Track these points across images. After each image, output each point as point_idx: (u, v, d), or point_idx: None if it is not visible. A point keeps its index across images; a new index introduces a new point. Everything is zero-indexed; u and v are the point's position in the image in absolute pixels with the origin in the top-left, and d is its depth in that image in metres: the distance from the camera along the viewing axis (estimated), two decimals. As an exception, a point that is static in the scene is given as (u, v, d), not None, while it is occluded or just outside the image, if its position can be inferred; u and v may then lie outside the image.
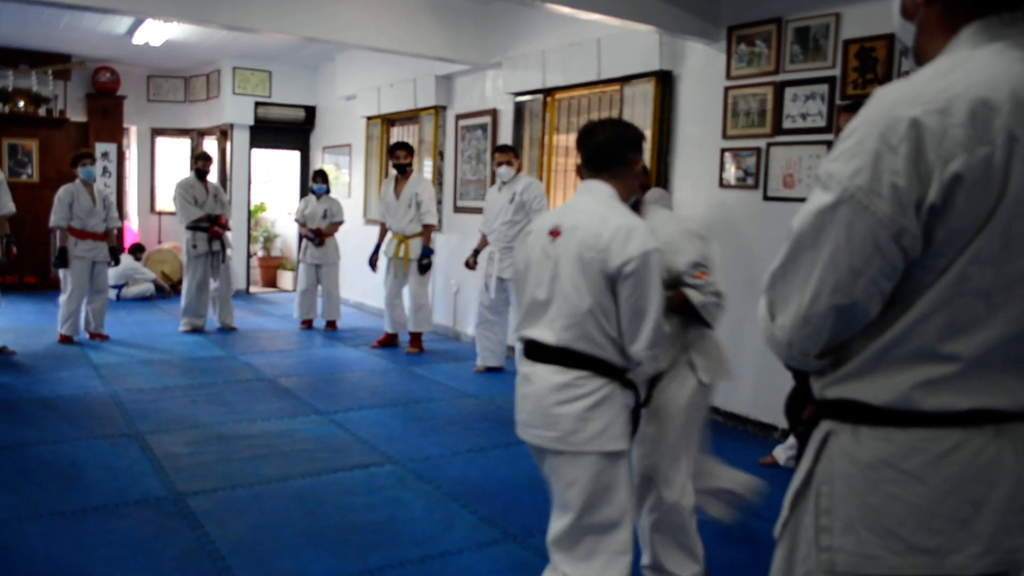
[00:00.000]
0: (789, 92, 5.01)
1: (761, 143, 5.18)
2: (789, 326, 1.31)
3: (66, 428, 4.87)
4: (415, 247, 7.45)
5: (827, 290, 1.25)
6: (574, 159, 6.80)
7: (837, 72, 4.75)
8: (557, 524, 2.48)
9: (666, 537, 3.01)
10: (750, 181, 5.25)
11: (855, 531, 1.30)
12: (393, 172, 7.67)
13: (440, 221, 8.55)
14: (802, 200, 4.72)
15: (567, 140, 7.00)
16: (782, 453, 4.56)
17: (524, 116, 7.30)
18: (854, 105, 4.19)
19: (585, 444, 2.37)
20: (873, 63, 4.57)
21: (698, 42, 5.52)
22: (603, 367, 2.39)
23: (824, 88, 4.82)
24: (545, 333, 2.44)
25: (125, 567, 3.14)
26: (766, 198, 5.16)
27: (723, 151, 5.42)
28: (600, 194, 2.50)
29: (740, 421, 5.35)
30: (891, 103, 1.22)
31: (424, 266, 7.39)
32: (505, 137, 7.51)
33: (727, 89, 5.39)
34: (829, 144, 4.56)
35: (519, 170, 6.54)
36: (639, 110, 6.12)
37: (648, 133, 5.98)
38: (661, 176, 5.80)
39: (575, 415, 2.37)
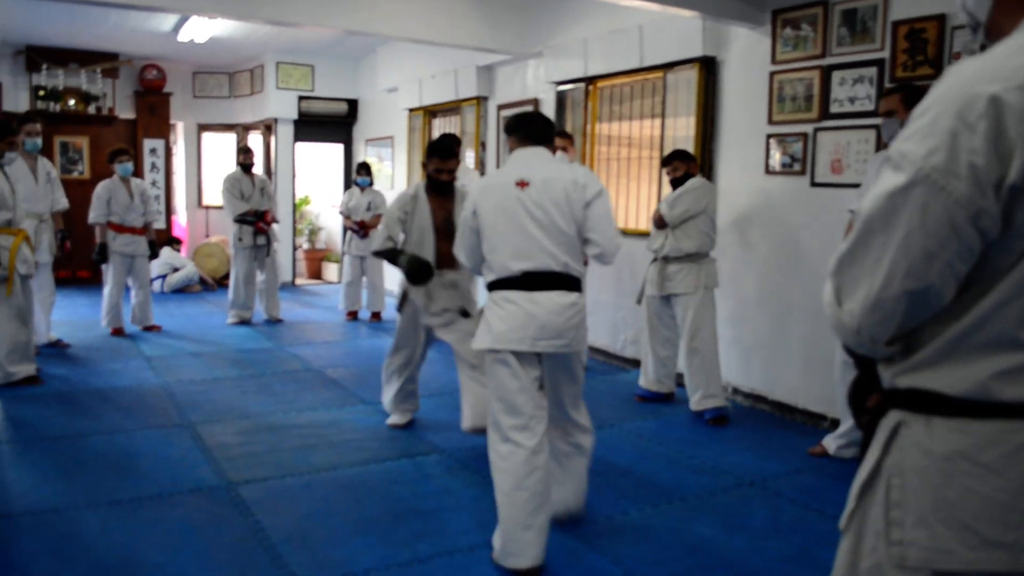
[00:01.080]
0: (836, 76, 4.92)
1: (808, 128, 5.09)
2: (858, 312, 1.27)
3: (121, 419, 4.97)
4: None
5: (899, 274, 1.21)
6: (617, 147, 6.79)
7: (886, 54, 4.65)
8: (567, 398, 3.41)
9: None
10: (797, 167, 5.17)
11: (928, 525, 1.26)
12: None
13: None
14: (852, 186, 4.67)
15: (609, 129, 6.95)
16: (832, 443, 4.49)
17: (566, 105, 7.26)
18: (895, 89, 4.10)
19: (581, 345, 3.33)
20: (923, 44, 4.47)
21: (742, 27, 5.44)
22: (579, 284, 3.27)
23: (873, 71, 4.72)
24: (548, 262, 3.15)
25: (180, 554, 3.19)
26: (813, 184, 5.07)
27: (769, 137, 5.35)
28: (546, 156, 3.34)
29: (788, 410, 5.28)
30: (968, 80, 1.17)
31: None
32: (547, 126, 7.46)
33: (772, 74, 5.31)
34: (878, 128, 4.46)
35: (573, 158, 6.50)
36: (682, 97, 6.05)
37: (691, 120, 5.92)
38: (705, 164, 5.73)
39: (577, 326, 3.24)
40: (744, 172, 5.56)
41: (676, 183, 5.22)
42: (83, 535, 3.36)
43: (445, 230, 4.47)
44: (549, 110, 7.48)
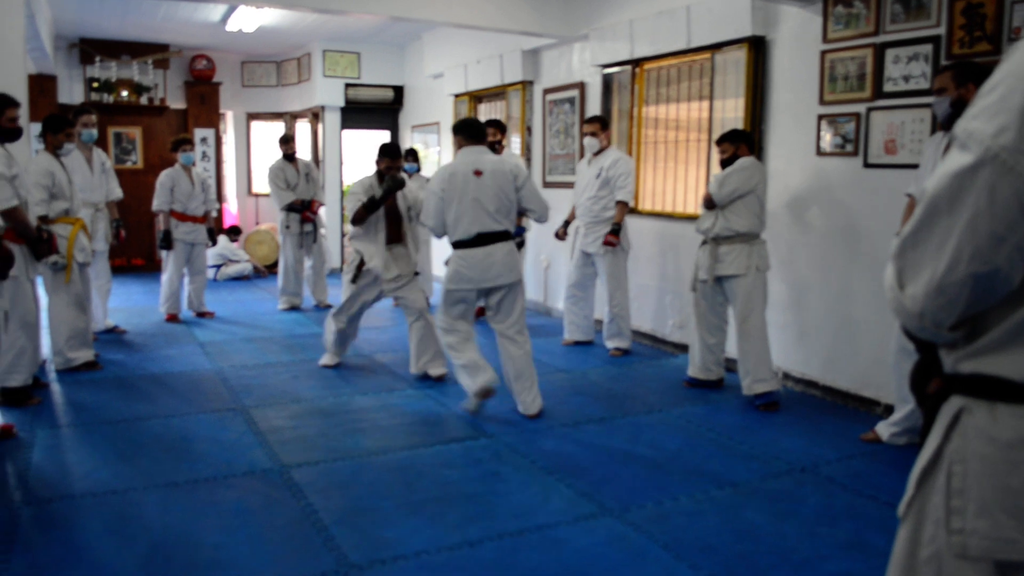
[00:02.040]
0: (890, 54, 4.80)
1: (860, 108, 4.99)
2: (921, 295, 1.23)
3: (176, 403, 5.08)
4: None
5: (965, 257, 1.16)
6: (664, 130, 6.73)
7: (942, 31, 4.52)
8: (512, 317, 4.91)
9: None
10: (849, 148, 5.07)
11: (991, 514, 1.23)
12: None
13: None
14: (907, 167, 4.57)
15: (656, 111, 6.88)
16: (885, 429, 4.42)
17: (612, 88, 7.21)
18: (948, 66, 3.99)
19: (520, 276, 4.89)
20: (981, 20, 4.34)
21: (792, 5, 5.34)
22: (511, 237, 4.80)
23: (928, 48, 4.60)
24: (495, 224, 4.71)
25: (235, 535, 3.26)
26: (866, 165, 4.97)
27: (820, 117, 5.25)
28: (487, 151, 4.85)
29: (840, 396, 5.21)
30: None
31: (518, 244, 7.39)
32: (593, 110, 7.44)
33: (823, 53, 5.20)
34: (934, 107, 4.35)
35: (608, 144, 6.47)
36: (731, 78, 5.97)
37: (740, 102, 5.84)
38: (755, 146, 5.64)
39: (516, 264, 4.86)
40: (795, 154, 5.46)
41: (725, 165, 5.17)
42: (142, 516, 3.45)
43: (394, 215, 5.70)
44: (595, 93, 7.43)
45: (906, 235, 1.25)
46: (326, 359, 6.05)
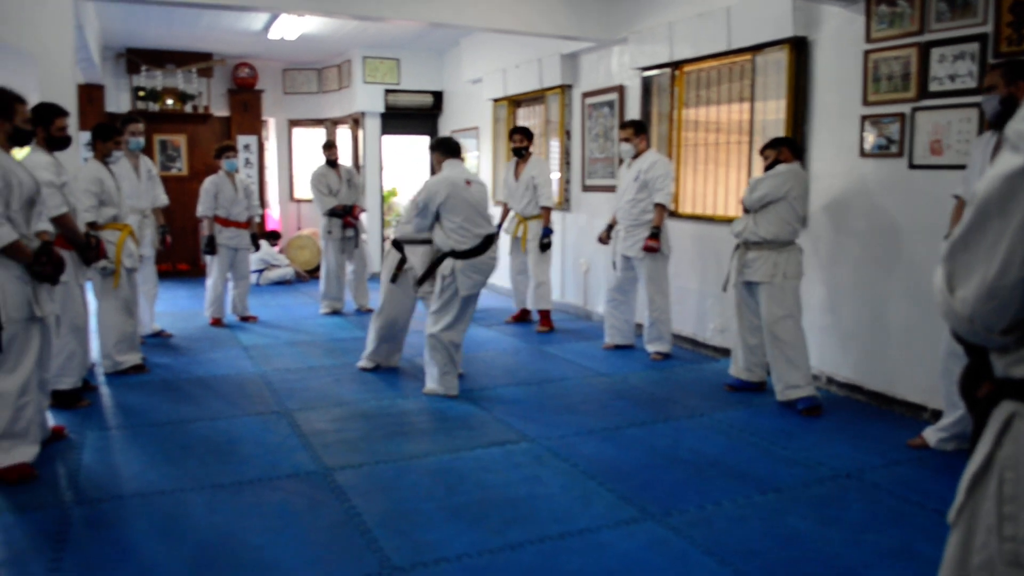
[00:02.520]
0: (935, 53, 4.73)
1: (905, 108, 4.91)
2: (972, 299, 1.21)
3: (221, 406, 5.16)
4: (533, 228, 7.63)
5: (1017, 261, 1.14)
6: (704, 133, 6.69)
7: (989, 29, 4.44)
8: (464, 319, 5.41)
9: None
10: (893, 149, 5.00)
11: None
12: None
13: (568, 200, 8.56)
14: (953, 167, 4.50)
15: (696, 114, 6.84)
16: (933, 435, 4.34)
17: (652, 91, 7.18)
18: (1000, 64, 3.91)
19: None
20: (1031, 17, 4.26)
21: (834, 5, 5.28)
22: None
23: (975, 47, 4.52)
24: (489, 227, 5.31)
25: (280, 536, 3.30)
26: (911, 166, 4.89)
27: (863, 118, 5.18)
28: (465, 166, 5.52)
29: (885, 400, 5.13)
30: None
31: (544, 246, 7.48)
32: (632, 113, 7.42)
33: (867, 53, 5.13)
34: (981, 107, 4.27)
35: (645, 147, 6.45)
36: (772, 79, 5.92)
37: (782, 103, 5.79)
38: (797, 150, 5.58)
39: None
40: (838, 155, 5.40)
41: (767, 170, 5.14)
42: (189, 516, 3.51)
43: None
44: (634, 96, 7.41)
45: (956, 238, 1.23)
46: (363, 362, 6.15)
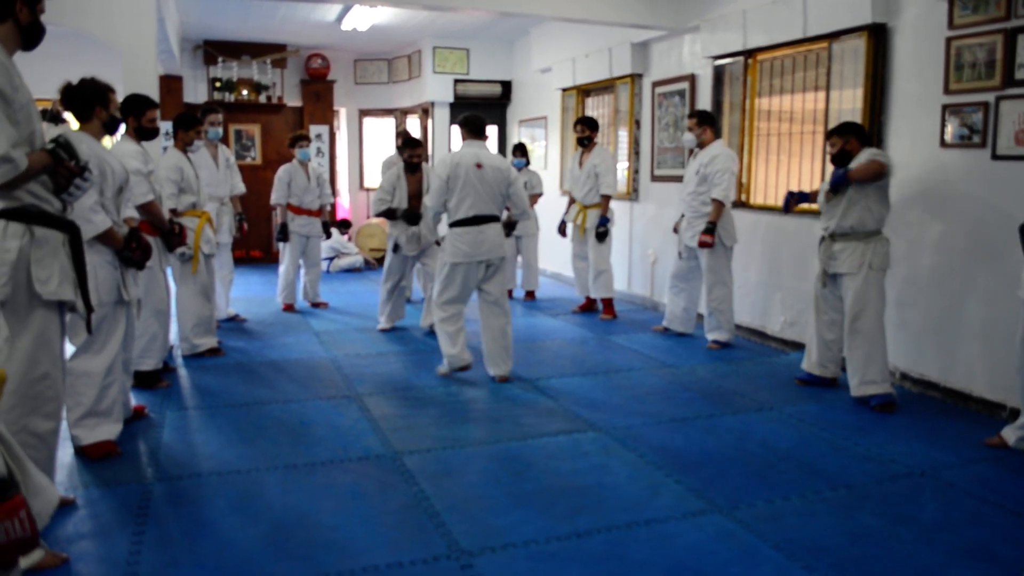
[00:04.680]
0: (1023, 39, 4.56)
1: (989, 97, 4.75)
2: None
3: (294, 389, 5.29)
4: (592, 216, 7.65)
5: None
6: (777, 122, 6.58)
7: (1082, 14, 4.28)
8: (497, 287, 5.53)
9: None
10: (976, 139, 4.84)
11: None
12: None
13: (636, 190, 8.51)
14: (1041, 158, 4.33)
15: (769, 103, 6.73)
16: (1012, 433, 4.21)
17: (724, 80, 7.09)
18: None
19: (506, 253, 5.55)
20: None
21: (916, -10, 5.15)
22: (499, 219, 5.49)
23: (1067, 33, 4.36)
24: (491, 208, 5.39)
25: (351, 517, 3.38)
26: (995, 157, 4.74)
27: (944, 107, 5.03)
28: (486, 147, 5.49)
29: (962, 398, 4.99)
30: None
31: (600, 234, 7.48)
32: (704, 103, 7.33)
33: (949, 40, 4.98)
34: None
35: (710, 138, 6.40)
36: (848, 67, 5.78)
37: (859, 92, 5.66)
38: (874, 137, 5.46)
39: (503, 242, 5.50)
40: (917, 146, 5.26)
41: (835, 160, 4.97)
42: (264, 495, 3.61)
43: (417, 196, 6.84)
44: (706, 85, 7.33)
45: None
46: (383, 324, 7.12)
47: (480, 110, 11.63)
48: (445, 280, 5.45)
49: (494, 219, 5.43)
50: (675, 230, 6.84)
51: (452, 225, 5.37)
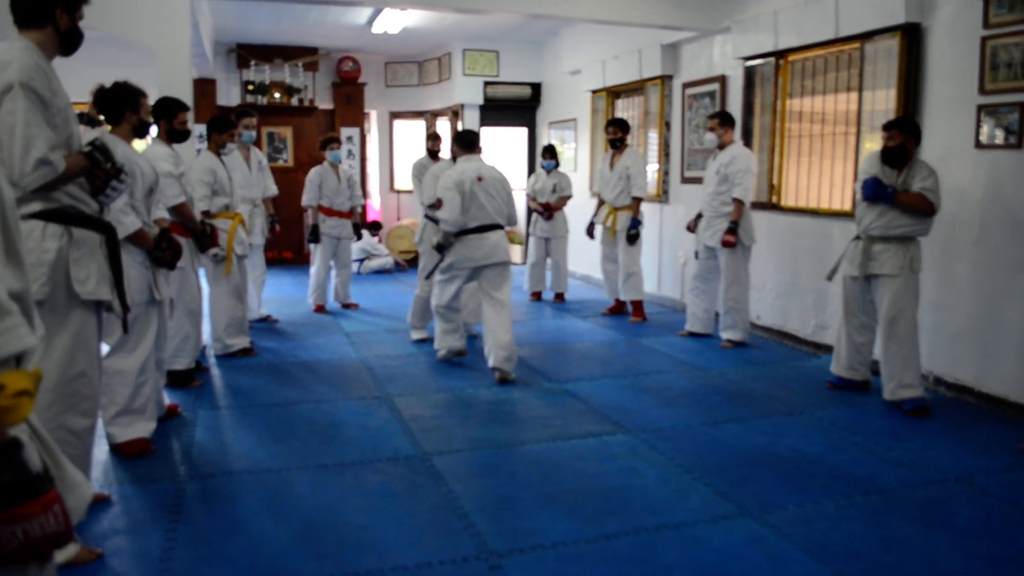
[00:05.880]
0: (1062, 39, 4.49)
1: (1026, 97, 4.69)
2: None
3: (325, 389, 5.33)
4: (623, 219, 7.64)
5: None
6: (808, 124, 6.52)
7: (1123, 13, 4.20)
8: (501, 287, 5.69)
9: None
10: (1012, 140, 4.77)
11: None
12: None
13: (666, 192, 8.49)
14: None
15: (801, 104, 6.68)
16: (1050, 439, 4.15)
17: (755, 81, 7.04)
18: None
19: (509, 258, 5.71)
20: None
21: (951, -10, 5.08)
22: (502, 228, 5.69)
23: (1107, 32, 4.28)
24: (494, 218, 5.61)
25: (380, 517, 3.40)
26: (1032, 158, 4.67)
27: (980, 108, 4.96)
28: (483, 160, 5.77)
29: (997, 403, 4.92)
30: None
31: (632, 236, 7.48)
32: (734, 104, 7.29)
33: (984, 39, 4.91)
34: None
35: (730, 139, 6.53)
36: (881, 68, 5.72)
37: (892, 93, 5.59)
38: (919, 138, 5.37)
39: (507, 247, 5.71)
40: (951, 147, 5.19)
41: (887, 153, 4.84)
42: (295, 494, 3.65)
43: None
44: (736, 87, 7.29)
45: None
46: (416, 335, 6.91)
47: (510, 112, 11.75)
48: (441, 284, 5.79)
49: (497, 227, 5.65)
50: (689, 229, 6.93)
51: (458, 234, 5.62)
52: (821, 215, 6.36)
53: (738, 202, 6.32)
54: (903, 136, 4.80)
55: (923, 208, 4.71)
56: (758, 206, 6.95)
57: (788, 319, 6.74)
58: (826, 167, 6.42)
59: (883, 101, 5.72)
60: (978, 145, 4.99)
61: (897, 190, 4.74)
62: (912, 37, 5.43)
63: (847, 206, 6.01)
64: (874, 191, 4.78)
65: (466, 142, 5.74)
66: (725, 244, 6.36)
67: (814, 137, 6.55)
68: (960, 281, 5.16)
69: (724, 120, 6.50)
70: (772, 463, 4.07)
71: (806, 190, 6.63)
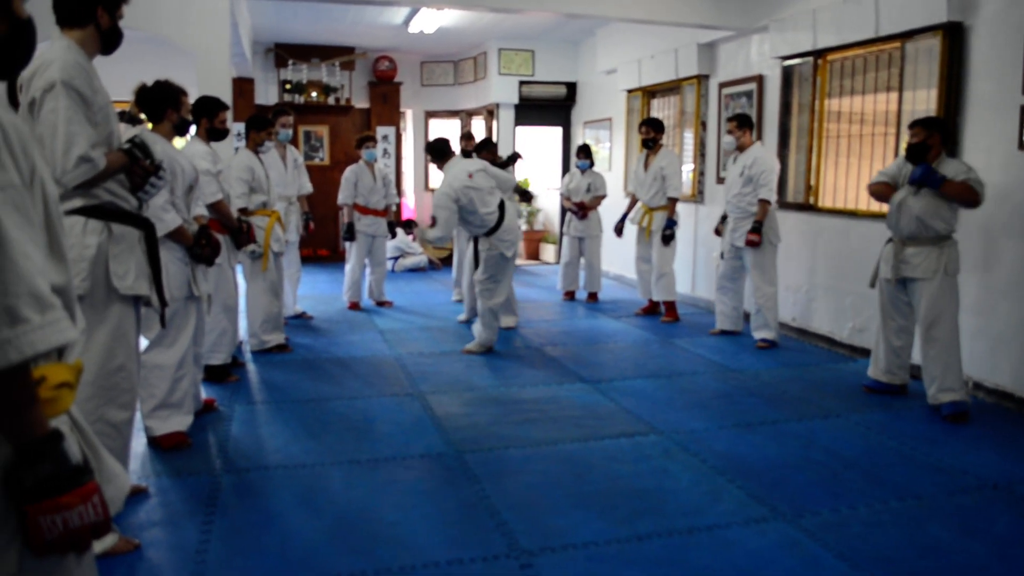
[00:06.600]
0: (1111, 38, 4.39)
1: (1073, 98, 4.59)
2: None
3: (359, 386, 5.37)
4: (658, 219, 7.63)
5: None
6: (847, 124, 6.44)
7: None
8: (506, 282, 6.28)
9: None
10: (1058, 141, 4.68)
11: None
12: None
13: (702, 192, 8.43)
14: None
15: (839, 104, 6.60)
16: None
17: (792, 81, 6.97)
18: None
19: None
20: None
21: (995, -12, 4.99)
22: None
23: None
24: (502, 196, 6.11)
25: (412, 513, 3.42)
26: (1079, 160, 4.57)
27: (1023, 108, 4.87)
28: (457, 162, 6.11)
29: (1003, 397, 4.82)
30: None
31: (667, 237, 7.46)
32: (772, 103, 7.23)
33: (1030, 39, 4.82)
34: None
35: (750, 141, 6.59)
36: (922, 68, 5.63)
37: (933, 93, 5.51)
38: (948, 140, 5.28)
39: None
40: (994, 148, 5.09)
41: (912, 151, 4.77)
42: (328, 489, 3.68)
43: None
44: (774, 86, 7.22)
45: None
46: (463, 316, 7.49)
47: (545, 111, 11.76)
48: (497, 273, 6.20)
49: (503, 206, 6.14)
50: (717, 232, 7.00)
51: (491, 232, 6.09)
52: (860, 216, 6.27)
53: (764, 202, 6.39)
54: (926, 132, 4.75)
55: (969, 198, 4.62)
56: (795, 207, 6.89)
57: (824, 321, 6.66)
58: (865, 168, 6.34)
59: (924, 101, 5.63)
60: (1021, 146, 4.89)
61: (944, 178, 4.65)
62: (954, 36, 5.34)
63: (887, 208, 5.92)
64: (923, 175, 4.68)
65: (441, 151, 6.16)
66: (749, 243, 6.42)
67: (853, 138, 6.47)
68: (1001, 285, 5.07)
69: (742, 122, 6.57)
70: (806, 466, 4.03)
71: (844, 191, 6.55)
